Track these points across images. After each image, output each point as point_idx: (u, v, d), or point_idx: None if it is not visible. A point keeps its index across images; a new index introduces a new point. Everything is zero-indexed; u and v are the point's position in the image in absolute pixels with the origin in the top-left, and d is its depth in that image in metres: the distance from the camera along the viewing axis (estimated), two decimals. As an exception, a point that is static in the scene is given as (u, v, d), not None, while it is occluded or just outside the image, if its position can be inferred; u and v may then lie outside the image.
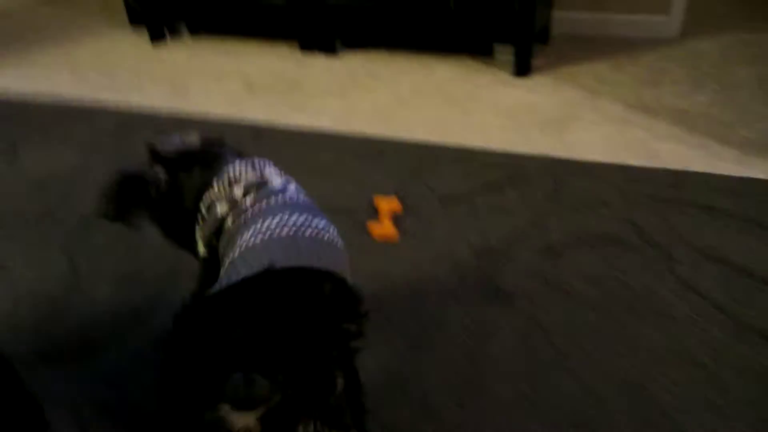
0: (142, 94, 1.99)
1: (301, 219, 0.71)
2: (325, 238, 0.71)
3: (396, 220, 1.24)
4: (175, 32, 2.61)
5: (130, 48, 2.49)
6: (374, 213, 1.27)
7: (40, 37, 2.77)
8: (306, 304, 0.59)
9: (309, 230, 0.70)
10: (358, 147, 1.57)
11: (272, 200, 0.75)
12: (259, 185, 0.77)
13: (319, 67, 2.19)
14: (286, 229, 0.69)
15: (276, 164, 0.84)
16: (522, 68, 2.01)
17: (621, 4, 2.40)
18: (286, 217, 0.71)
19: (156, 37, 2.51)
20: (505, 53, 2.20)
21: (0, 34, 2.91)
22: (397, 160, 1.50)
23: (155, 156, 0.82)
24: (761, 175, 1.37)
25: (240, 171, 0.79)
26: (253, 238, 0.69)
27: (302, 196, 0.79)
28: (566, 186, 1.35)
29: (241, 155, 0.85)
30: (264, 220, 0.71)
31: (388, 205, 1.27)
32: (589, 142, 1.55)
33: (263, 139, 1.64)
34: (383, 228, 1.20)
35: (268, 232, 0.69)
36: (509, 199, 1.31)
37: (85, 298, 1.08)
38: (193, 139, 0.85)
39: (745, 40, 2.35)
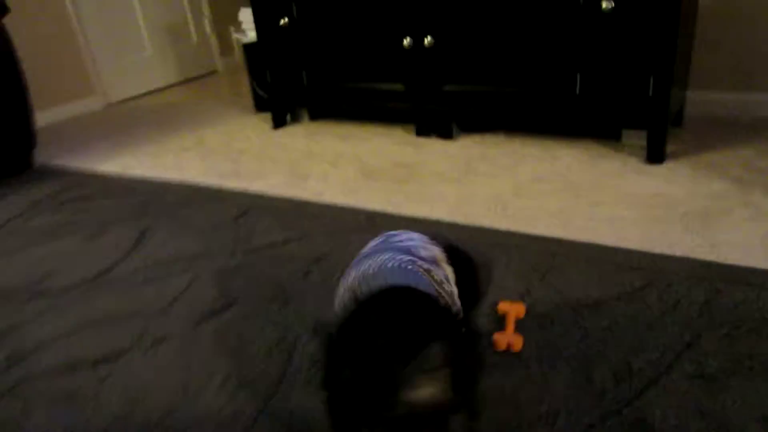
0: (263, 179, 2.10)
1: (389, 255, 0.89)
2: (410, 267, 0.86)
3: (519, 326, 1.15)
4: (296, 118, 2.76)
5: (254, 133, 2.66)
6: (499, 320, 1.19)
7: (176, 124, 3.05)
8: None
9: (395, 262, 0.86)
10: (476, 239, 1.52)
11: (383, 241, 0.96)
12: (387, 236, 0.98)
13: (434, 152, 2.20)
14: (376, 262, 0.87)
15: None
16: (655, 155, 1.88)
17: (766, 82, 2.21)
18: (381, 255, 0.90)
19: (279, 123, 2.67)
20: (634, 137, 2.08)
21: (141, 123, 3.25)
22: (518, 257, 1.42)
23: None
24: None
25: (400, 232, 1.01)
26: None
27: (418, 243, 0.96)
28: (721, 297, 1.19)
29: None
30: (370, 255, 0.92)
31: (513, 309, 1.18)
32: (744, 244, 1.38)
33: (377, 225, 1.64)
34: (506, 335, 1.12)
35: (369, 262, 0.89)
36: (653, 310, 1.17)
37: (194, 400, 1.07)
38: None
39: None
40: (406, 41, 2.18)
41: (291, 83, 2.55)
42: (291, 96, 2.59)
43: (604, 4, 1.78)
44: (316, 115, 2.79)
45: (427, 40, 2.14)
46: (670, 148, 1.99)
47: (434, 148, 2.24)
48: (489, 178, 1.91)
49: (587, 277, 1.31)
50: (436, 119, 2.30)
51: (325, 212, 1.76)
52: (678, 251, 1.37)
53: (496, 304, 1.22)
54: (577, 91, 1.94)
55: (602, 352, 1.07)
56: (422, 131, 2.36)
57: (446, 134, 2.31)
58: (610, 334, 1.12)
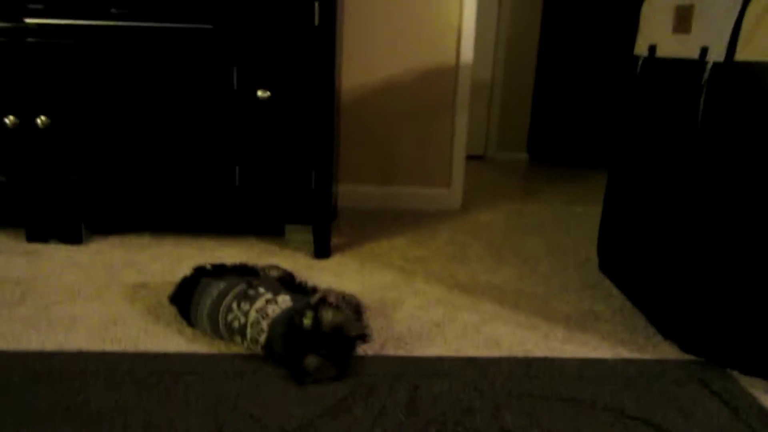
0: None
1: None
2: None
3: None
4: None
5: None
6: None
7: None
8: None
9: None
10: (140, 371, 1.28)
11: None
12: None
13: (58, 262, 1.85)
14: None
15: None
16: (322, 250, 1.98)
17: (406, 178, 2.63)
18: None
19: None
20: (297, 232, 2.17)
21: None
22: (200, 385, 1.25)
23: None
24: (595, 354, 1.48)
25: None
26: None
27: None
28: (421, 393, 1.26)
29: None
30: None
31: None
32: (422, 333, 1.53)
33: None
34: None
35: None
36: (363, 422, 1.15)
37: None
38: None
39: (517, 210, 2.75)
40: (10, 120, 1.83)
41: None
42: None
43: (259, 92, 1.84)
44: None
45: (42, 119, 1.84)
46: (333, 241, 2.13)
47: (57, 256, 1.89)
48: (139, 290, 1.68)
49: (283, 394, 1.23)
50: (56, 219, 1.96)
51: None
52: (370, 350, 1.42)
53: (183, 456, 1.02)
54: (237, 184, 1.92)
55: (324, 488, 0.99)
56: (36, 235, 1.98)
57: (72, 238, 1.98)
58: (327, 462, 1.05)
